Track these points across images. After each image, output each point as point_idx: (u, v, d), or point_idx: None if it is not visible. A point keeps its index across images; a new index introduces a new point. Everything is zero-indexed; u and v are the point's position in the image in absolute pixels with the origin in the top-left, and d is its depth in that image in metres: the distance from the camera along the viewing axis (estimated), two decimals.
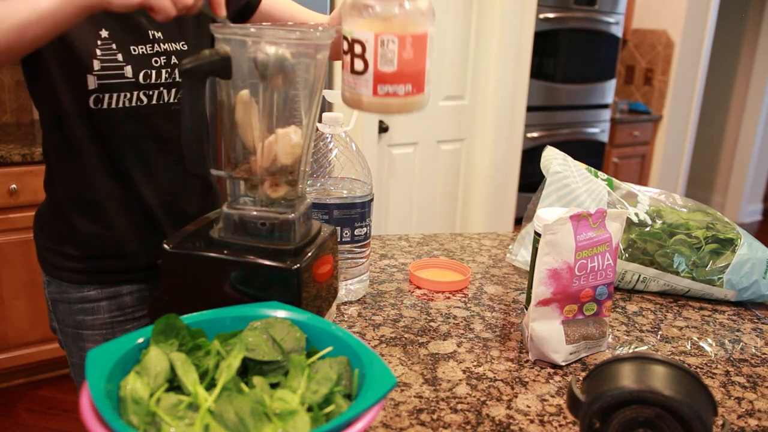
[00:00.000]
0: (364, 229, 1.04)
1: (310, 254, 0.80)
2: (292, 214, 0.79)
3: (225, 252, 0.78)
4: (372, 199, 1.05)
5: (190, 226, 0.86)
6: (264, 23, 1.14)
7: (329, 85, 2.56)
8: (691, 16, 4.09)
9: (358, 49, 0.77)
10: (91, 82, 0.97)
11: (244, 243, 0.79)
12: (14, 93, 2.73)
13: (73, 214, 1.05)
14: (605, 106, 3.89)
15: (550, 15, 3.40)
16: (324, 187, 1.02)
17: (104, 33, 0.97)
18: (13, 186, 2.21)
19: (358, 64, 0.77)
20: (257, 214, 0.80)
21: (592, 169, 1.20)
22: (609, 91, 3.87)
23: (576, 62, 3.66)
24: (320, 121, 1.01)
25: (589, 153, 3.88)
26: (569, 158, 1.19)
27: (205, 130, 0.79)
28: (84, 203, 1.05)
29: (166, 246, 0.79)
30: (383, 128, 2.81)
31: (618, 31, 3.79)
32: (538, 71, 3.43)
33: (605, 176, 1.20)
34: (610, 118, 3.95)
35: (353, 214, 1.02)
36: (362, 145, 2.71)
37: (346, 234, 1.02)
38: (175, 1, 0.80)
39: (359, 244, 1.04)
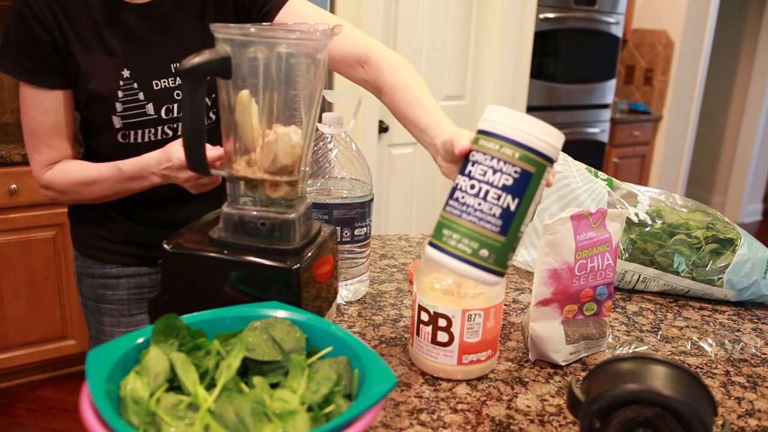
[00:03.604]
0: (364, 229, 1.04)
1: (310, 254, 0.80)
2: (292, 214, 0.79)
3: (225, 252, 0.78)
4: (372, 199, 1.05)
5: (190, 226, 0.86)
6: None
7: (329, 85, 2.56)
8: (691, 16, 4.09)
9: (442, 322, 0.80)
10: (116, 122, 1.03)
11: (244, 243, 0.79)
12: (14, 93, 2.73)
13: (104, 205, 1.14)
14: (605, 106, 3.89)
15: (550, 15, 3.40)
16: (324, 187, 1.02)
17: (126, 73, 1.01)
18: (13, 186, 2.21)
19: (442, 337, 0.81)
20: (257, 214, 0.79)
21: (592, 169, 1.20)
22: (609, 91, 3.87)
23: (576, 62, 3.66)
24: (320, 121, 1.01)
25: (589, 153, 3.88)
26: (569, 158, 1.19)
27: (204, 130, 0.79)
28: (114, 200, 1.14)
29: (165, 246, 0.79)
30: (383, 128, 2.81)
31: (618, 31, 3.79)
32: (538, 71, 3.43)
33: (605, 176, 1.20)
34: (610, 118, 3.95)
35: (353, 214, 1.02)
36: (362, 145, 2.70)
37: (346, 234, 1.02)
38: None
39: (359, 244, 1.04)
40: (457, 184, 0.71)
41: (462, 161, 0.73)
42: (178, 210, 1.15)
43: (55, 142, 1.04)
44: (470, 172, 0.70)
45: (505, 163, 0.68)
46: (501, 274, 0.70)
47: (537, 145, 0.68)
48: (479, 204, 0.68)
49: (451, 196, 0.71)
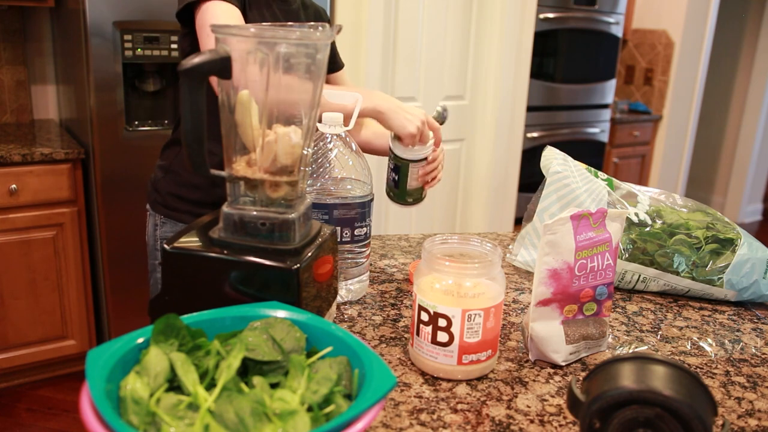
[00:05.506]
0: (364, 229, 1.04)
1: (310, 254, 0.80)
2: (292, 214, 0.79)
3: (225, 252, 0.78)
4: (372, 199, 1.05)
5: (190, 226, 0.86)
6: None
7: None
8: (691, 16, 4.09)
9: (442, 322, 0.80)
10: None
11: (244, 243, 0.79)
12: (14, 93, 2.73)
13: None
14: (605, 106, 3.89)
15: (550, 15, 3.40)
16: (324, 187, 1.02)
17: None
18: (13, 186, 2.21)
19: (442, 337, 0.81)
20: (257, 214, 0.79)
21: (592, 169, 1.20)
22: (609, 91, 3.87)
23: (576, 62, 3.66)
24: (320, 121, 1.01)
25: (589, 153, 3.88)
26: (569, 158, 1.19)
27: (204, 130, 0.79)
28: (212, 154, 1.22)
29: (165, 246, 0.79)
30: None
31: (618, 31, 3.79)
32: (538, 71, 3.43)
33: (605, 176, 1.20)
34: (610, 118, 3.95)
35: (353, 214, 1.02)
36: None
37: (346, 234, 1.02)
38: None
39: (359, 244, 1.04)
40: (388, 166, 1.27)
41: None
42: None
43: None
44: (388, 161, 1.25)
45: (390, 161, 1.23)
46: (402, 204, 1.27)
47: (404, 155, 1.19)
48: (389, 176, 1.25)
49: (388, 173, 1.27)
